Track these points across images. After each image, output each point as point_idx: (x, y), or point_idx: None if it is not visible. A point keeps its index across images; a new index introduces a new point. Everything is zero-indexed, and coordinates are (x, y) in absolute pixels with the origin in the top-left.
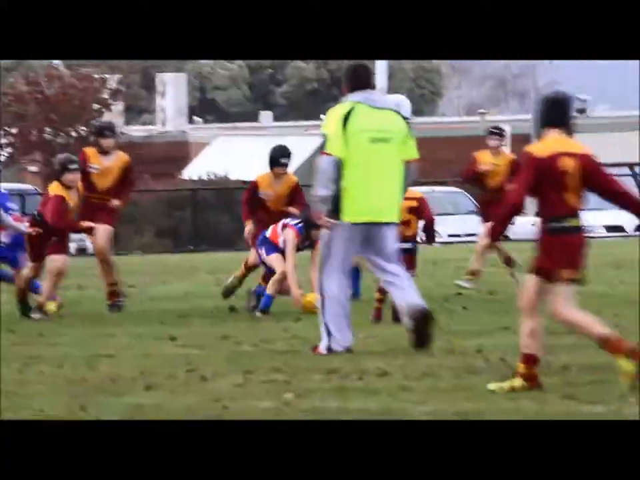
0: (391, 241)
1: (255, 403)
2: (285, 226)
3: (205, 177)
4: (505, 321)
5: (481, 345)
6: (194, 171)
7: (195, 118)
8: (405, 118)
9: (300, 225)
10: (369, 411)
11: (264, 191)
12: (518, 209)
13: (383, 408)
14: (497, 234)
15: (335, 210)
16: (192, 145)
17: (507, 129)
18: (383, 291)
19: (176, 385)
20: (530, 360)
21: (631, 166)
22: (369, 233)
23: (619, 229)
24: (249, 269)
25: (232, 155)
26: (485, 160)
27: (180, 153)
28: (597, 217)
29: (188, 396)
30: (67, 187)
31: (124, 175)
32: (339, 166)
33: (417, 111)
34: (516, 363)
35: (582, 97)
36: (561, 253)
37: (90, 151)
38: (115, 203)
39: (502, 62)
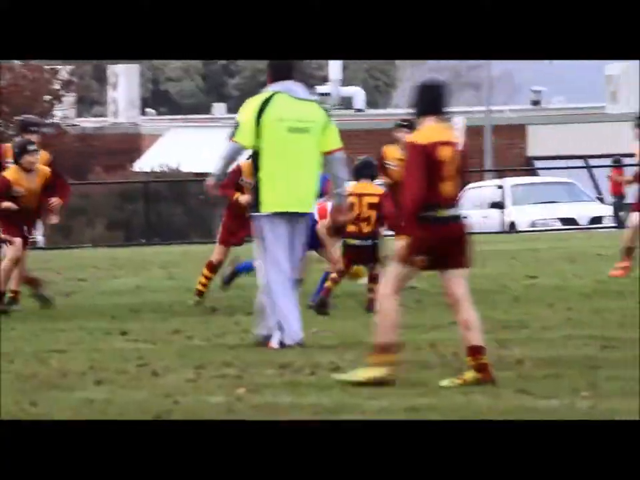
0: (302, 234)
1: (206, 398)
2: None
3: (157, 169)
4: None
5: (435, 339)
6: (146, 163)
7: (148, 110)
8: (326, 110)
9: None
10: (321, 405)
11: (246, 179)
12: (422, 202)
13: (335, 403)
14: (405, 230)
15: (256, 202)
16: (144, 137)
17: (461, 121)
18: (373, 280)
19: (127, 379)
20: (474, 351)
21: (585, 158)
22: (287, 223)
23: (572, 221)
24: (213, 269)
25: (185, 147)
26: (392, 155)
27: (132, 144)
28: (551, 209)
29: (139, 391)
30: (27, 170)
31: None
32: (256, 156)
33: (370, 102)
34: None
35: (537, 88)
36: (423, 241)
37: (8, 147)
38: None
39: None
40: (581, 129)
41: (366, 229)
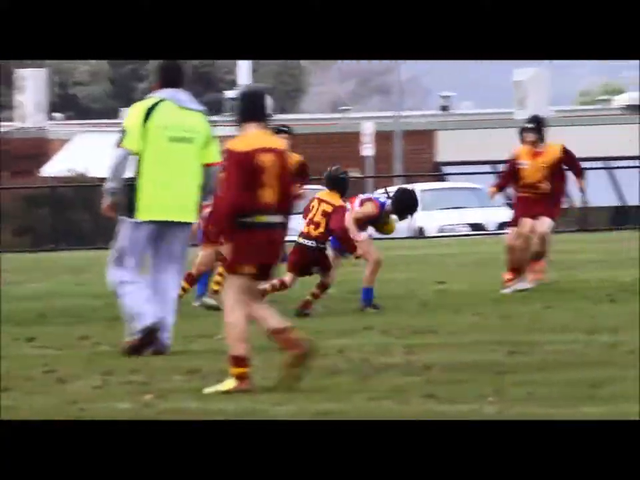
0: (180, 242)
1: (113, 405)
2: (366, 200)
3: (64, 174)
4: (366, 320)
5: (343, 345)
6: (54, 168)
7: (55, 114)
8: (210, 121)
9: (386, 200)
10: (228, 411)
11: None
12: (238, 208)
13: (242, 409)
14: (219, 236)
15: (130, 207)
16: (52, 142)
17: (370, 126)
18: (322, 286)
19: (32, 386)
20: (278, 330)
21: (493, 164)
22: (161, 232)
23: (480, 227)
24: (200, 273)
25: (93, 151)
26: None
27: (39, 149)
28: (459, 215)
29: (44, 398)
30: None
31: None
32: (137, 161)
33: (279, 108)
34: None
35: (445, 93)
36: (245, 248)
37: None
38: None
39: None
40: (489, 135)
41: (314, 232)
